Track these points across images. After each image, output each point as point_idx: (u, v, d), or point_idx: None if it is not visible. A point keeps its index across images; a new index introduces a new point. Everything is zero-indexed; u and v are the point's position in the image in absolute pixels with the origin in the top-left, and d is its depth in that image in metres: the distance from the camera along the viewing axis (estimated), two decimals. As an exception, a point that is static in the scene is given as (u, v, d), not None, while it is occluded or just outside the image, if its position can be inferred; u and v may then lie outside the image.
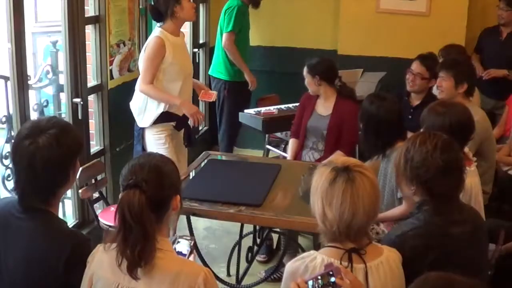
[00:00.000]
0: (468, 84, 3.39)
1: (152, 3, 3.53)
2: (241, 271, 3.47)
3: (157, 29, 3.45)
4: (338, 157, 1.99)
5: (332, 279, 1.60)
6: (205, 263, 3.21)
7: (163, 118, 3.48)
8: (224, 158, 3.67)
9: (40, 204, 1.84)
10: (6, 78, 3.01)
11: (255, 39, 5.25)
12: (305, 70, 3.76)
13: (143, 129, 3.52)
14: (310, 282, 1.61)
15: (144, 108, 3.48)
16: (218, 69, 4.94)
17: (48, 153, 1.78)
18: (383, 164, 3.00)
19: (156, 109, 3.45)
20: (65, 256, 1.78)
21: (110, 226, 3.15)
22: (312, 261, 1.79)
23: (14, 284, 1.81)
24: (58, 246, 1.80)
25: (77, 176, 2.95)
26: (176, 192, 1.78)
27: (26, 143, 1.79)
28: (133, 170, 1.71)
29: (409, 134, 2.81)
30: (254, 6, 4.88)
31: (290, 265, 1.84)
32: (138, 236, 1.63)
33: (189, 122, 3.56)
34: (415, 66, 3.82)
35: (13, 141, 1.85)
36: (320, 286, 1.60)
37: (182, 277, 1.68)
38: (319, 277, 1.61)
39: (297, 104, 4.05)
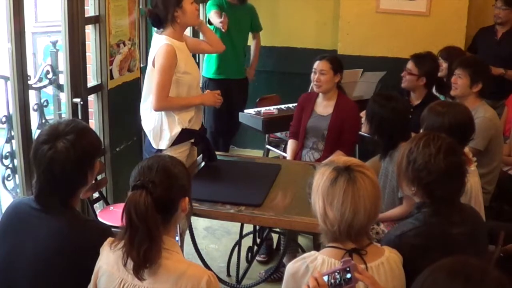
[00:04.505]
0: (483, 84, 3.40)
1: (151, 7, 3.15)
2: (241, 271, 3.47)
3: (159, 37, 3.09)
4: (339, 157, 1.98)
5: (348, 275, 1.61)
6: (205, 263, 3.22)
7: (184, 136, 3.14)
8: (224, 158, 3.66)
9: (60, 202, 1.90)
10: (6, 78, 3.01)
11: (255, 39, 5.25)
12: (327, 65, 3.69)
13: (160, 151, 3.13)
14: (326, 278, 1.63)
15: (160, 129, 3.12)
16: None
17: (65, 159, 1.85)
18: (384, 164, 3.00)
19: (174, 128, 3.10)
20: (87, 247, 1.83)
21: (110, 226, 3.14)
22: (313, 261, 1.80)
23: (36, 275, 1.85)
24: (82, 238, 1.86)
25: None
26: (185, 194, 1.80)
27: (45, 148, 1.86)
28: (142, 171, 1.74)
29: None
30: (240, 1, 4.78)
31: (291, 266, 1.84)
32: (143, 237, 1.65)
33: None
34: (408, 63, 3.92)
35: (33, 144, 1.94)
36: (336, 281, 1.61)
37: (185, 278, 1.68)
38: (337, 272, 1.63)
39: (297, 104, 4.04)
